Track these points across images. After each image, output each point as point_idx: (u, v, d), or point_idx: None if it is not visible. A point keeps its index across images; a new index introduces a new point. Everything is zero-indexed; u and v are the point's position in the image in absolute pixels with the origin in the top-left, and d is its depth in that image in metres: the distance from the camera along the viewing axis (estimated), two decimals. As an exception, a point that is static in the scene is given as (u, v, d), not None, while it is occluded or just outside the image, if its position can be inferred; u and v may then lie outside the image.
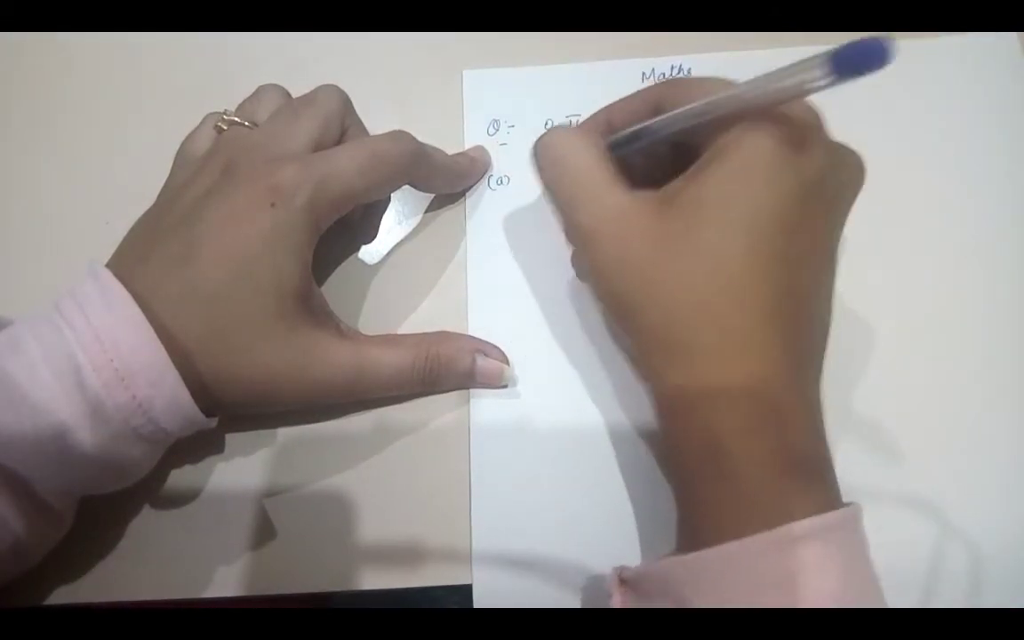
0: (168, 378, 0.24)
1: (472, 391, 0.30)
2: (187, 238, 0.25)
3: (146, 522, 0.29)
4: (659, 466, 0.29)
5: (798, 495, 0.21)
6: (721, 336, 0.22)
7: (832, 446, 0.23)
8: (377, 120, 0.31)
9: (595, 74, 0.35)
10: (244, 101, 0.30)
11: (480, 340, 0.30)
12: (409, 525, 0.29)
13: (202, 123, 0.30)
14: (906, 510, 0.28)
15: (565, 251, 0.32)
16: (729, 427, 0.22)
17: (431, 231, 0.33)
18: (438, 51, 0.36)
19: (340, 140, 0.29)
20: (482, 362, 0.29)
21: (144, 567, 0.28)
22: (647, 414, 0.29)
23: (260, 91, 0.30)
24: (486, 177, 0.34)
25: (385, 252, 0.33)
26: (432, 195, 0.33)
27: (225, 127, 0.29)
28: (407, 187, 0.31)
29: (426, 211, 0.33)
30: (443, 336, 0.30)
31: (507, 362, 0.30)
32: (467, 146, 0.34)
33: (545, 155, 0.26)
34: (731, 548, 0.20)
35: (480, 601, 0.28)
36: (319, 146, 0.28)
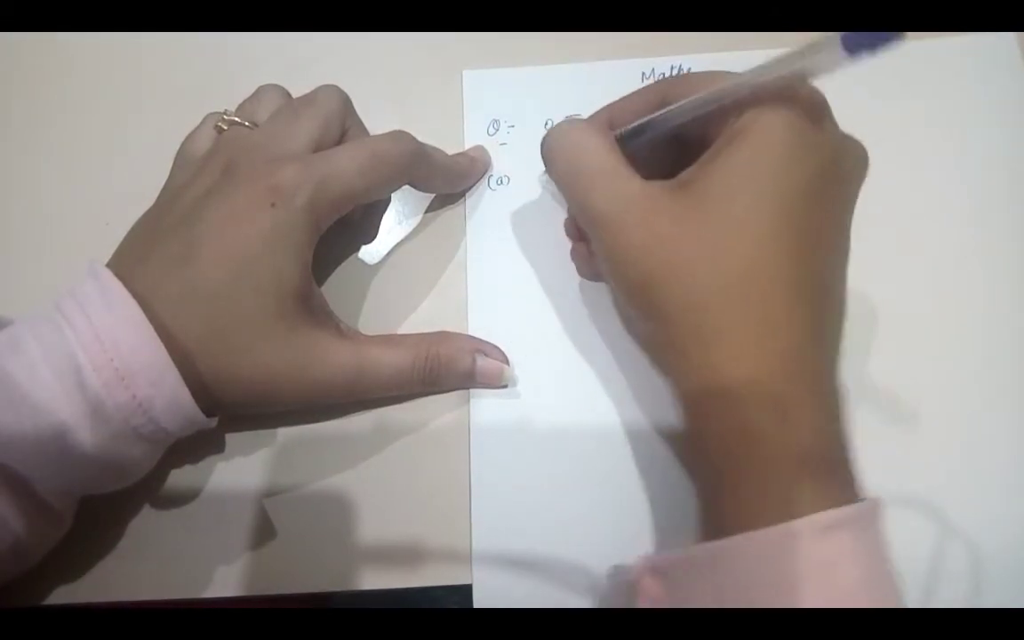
0: (168, 378, 0.24)
1: (472, 391, 0.30)
2: (187, 238, 0.25)
3: (146, 522, 0.29)
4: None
5: (823, 484, 0.21)
6: (749, 315, 0.22)
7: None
8: (377, 120, 0.31)
9: (595, 74, 0.35)
10: (244, 101, 0.30)
11: (480, 340, 0.30)
12: (409, 525, 0.29)
13: (202, 123, 0.30)
14: (906, 510, 0.28)
15: (566, 250, 0.32)
16: (757, 409, 0.22)
17: (431, 231, 0.33)
18: (438, 51, 0.36)
19: (340, 140, 0.29)
20: (482, 362, 0.29)
21: (144, 567, 0.28)
22: (648, 414, 0.29)
23: (260, 91, 0.30)
24: (486, 177, 0.34)
25: (385, 252, 0.33)
26: (432, 195, 0.33)
27: (225, 127, 0.29)
28: (407, 187, 0.31)
29: (426, 211, 0.33)
30: (443, 336, 0.30)
31: (507, 362, 0.30)
32: (467, 146, 0.34)
33: (557, 148, 0.27)
34: (769, 534, 0.20)
35: (480, 601, 0.28)
36: (319, 146, 0.28)
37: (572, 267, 0.31)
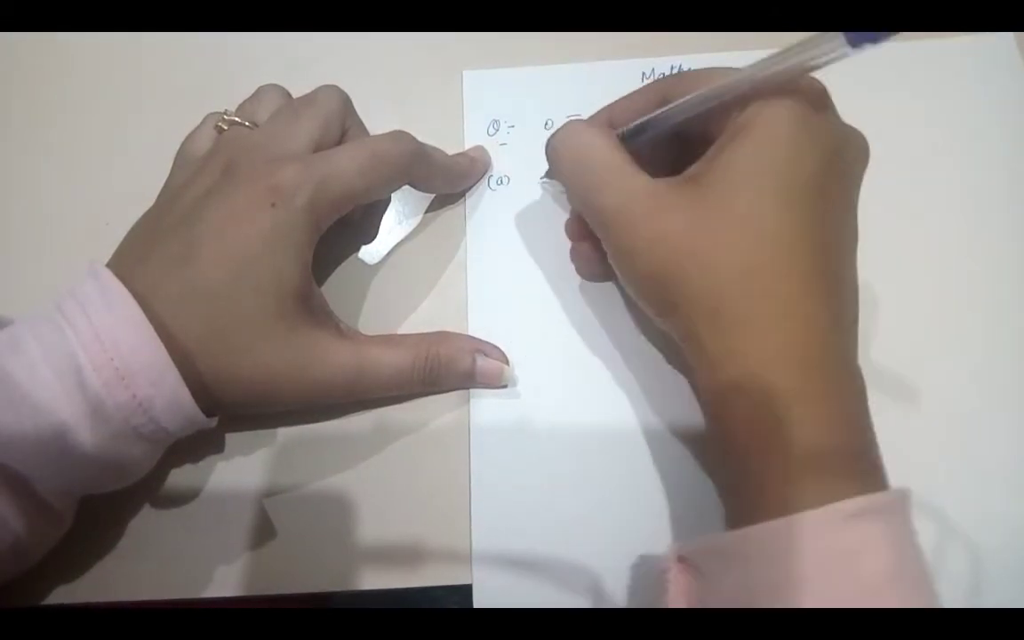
0: (168, 378, 0.24)
1: (472, 391, 0.30)
2: (187, 238, 0.25)
3: (146, 522, 0.29)
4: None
5: (850, 468, 0.21)
6: (765, 303, 0.22)
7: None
8: (377, 120, 0.31)
9: (595, 74, 0.35)
10: (244, 101, 0.30)
11: (480, 340, 0.30)
12: (409, 525, 0.29)
13: (202, 123, 0.30)
14: (906, 510, 0.28)
15: (566, 250, 0.32)
16: (775, 400, 0.22)
17: (431, 231, 0.33)
18: (438, 51, 0.36)
19: (340, 140, 0.29)
20: (482, 362, 0.29)
21: (144, 567, 0.28)
22: (649, 413, 0.29)
23: (260, 91, 0.30)
24: (486, 177, 0.34)
25: (385, 252, 0.33)
26: (432, 195, 0.33)
27: (225, 127, 0.29)
28: (407, 187, 0.31)
29: (426, 211, 0.33)
30: (443, 336, 0.30)
31: (507, 362, 0.30)
32: (467, 146, 0.34)
33: (563, 148, 0.27)
34: (796, 521, 0.20)
35: (480, 601, 0.27)
36: (319, 146, 0.28)
37: (572, 267, 0.31)
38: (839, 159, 0.23)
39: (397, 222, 0.33)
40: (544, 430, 0.30)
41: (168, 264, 0.25)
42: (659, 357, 0.30)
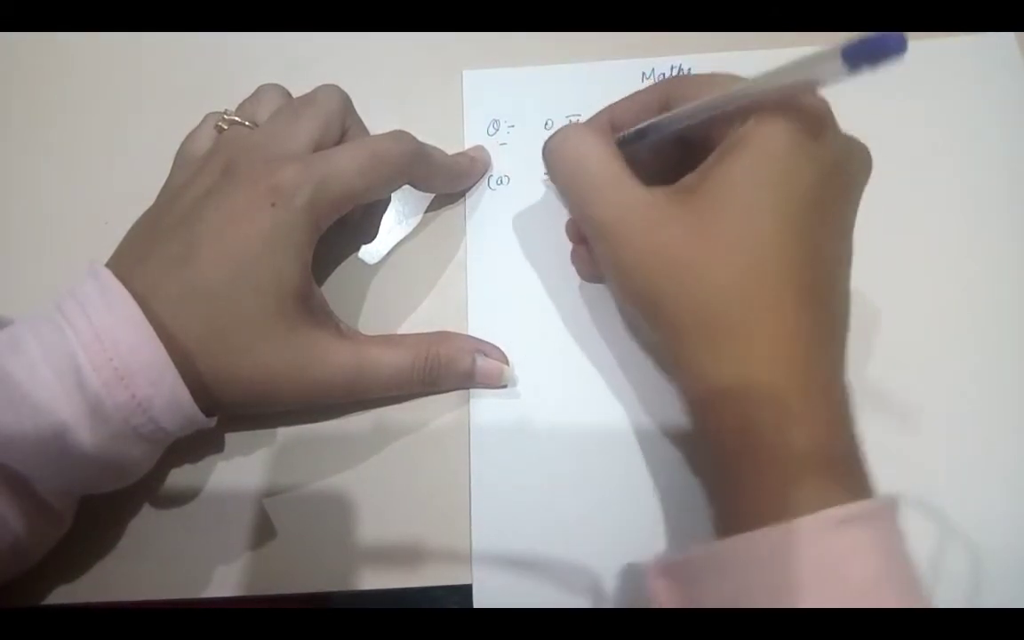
0: (167, 377, 0.24)
1: (472, 391, 0.30)
2: (187, 238, 0.25)
3: (146, 522, 0.29)
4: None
5: (834, 480, 0.21)
6: (754, 319, 0.22)
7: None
8: (377, 120, 0.31)
9: (595, 74, 0.35)
10: (244, 101, 0.30)
11: (480, 340, 0.30)
12: (409, 525, 0.29)
13: (202, 123, 0.30)
14: (906, 510, 0.28)
15: (565, 250, 0.32)
16: (766, 410, 0.22)
17: (431, 231, 0.33)
18: (438, 51, 0.36)
19: (340, 140, 0.29)
20: (482, 362, 0.29)
21: (144, 567, 0.28)
22: (649, 414, 0.29)
23: (260, 91, 0.30)
24: (486, 177, 0.34)
25: (385, 252, 0.33)
26: (432, 195, 0.33)
27: (225, 127, 0.29)
28: (407, 187, 0.31)
29: (426, 211, 0.33)
30: (443, 336, 0.30)
31: (507, 362, 0.30)
32: (467, 146, 0.34)
33: (558, 154, 0.27)
34: (780, 530, 0.20)
35: (480, 601, 0.27)
36: (319, 146, 0.28)
37: (572, 267, 0.31)
38: (838, 174, 0.23)
39: (397, 222, 0.33)
40: (544, 430, 0.29)
41: (168, 264, 0.25)
42: (659, 357, 0.30)
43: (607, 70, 0.35)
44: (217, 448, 0.30)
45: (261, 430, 0.30)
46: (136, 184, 0.29)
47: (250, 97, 0.30)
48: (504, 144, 0.34)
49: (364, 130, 0.31)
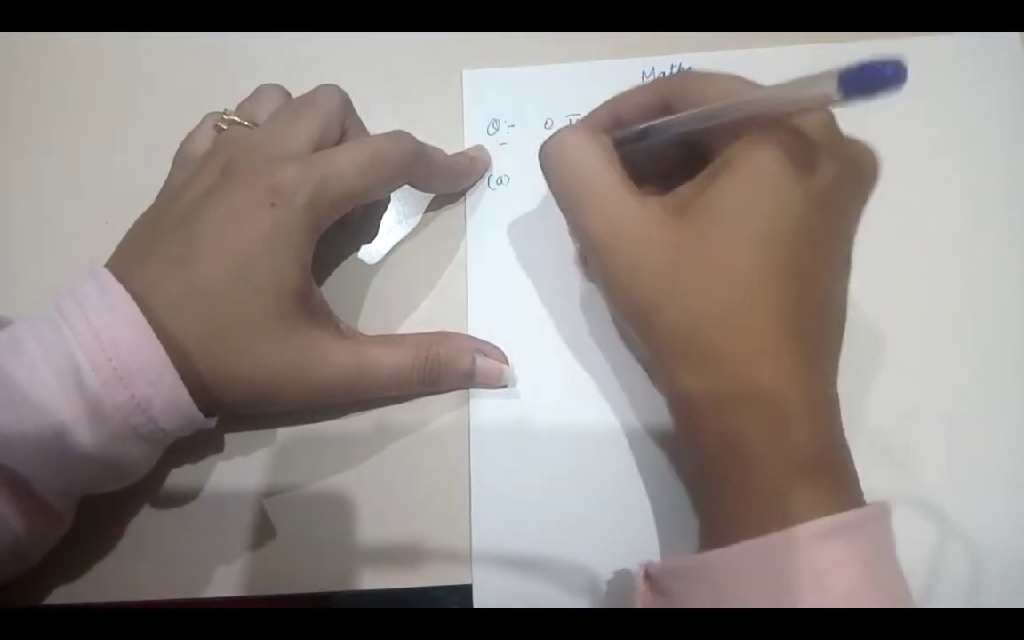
0: (167, 378, 0.24)
1: (472, 391, 0.30)
2: (186, 238, 0.25)
3: (146, 522, 0.29)
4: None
5: (818, 493, 0.21)
6: (736, 341, 0.22)
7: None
8: (377, 120, 0.31)
9: (595, 74, 0.35)
10: (244, 101, 0.30)
11: (480, 340, 0.30)
12: (409, 525, 0.29)
13: (202, 123, 0.30)
14: (906, 510, 0.28)
15: (566, 250, 0.32)
16: (746, 429, 0.22)
17: (431, 231, 0.33)
18: (438, 51, 0.36)
19: (340, 140, 0.29)
20: (482, 362, 0.29)
21: (144, 567, 0.28)
22: (648, 414, 0.29)
23: (260, 91, 0.30)
24: (486, 177, 0.34)
25: (385, 252, 0.33)
26: (432, 195, 0.33)
27: (225, 127, 0.29)
28: (407, 187, 0.31)
29: (426, 211, 0.33)
30: (443, 336, 0.30)
31: (507, 362, 0.30)
32: (467, 146, 0.34)
33: (553, 160, 0.26)
34: (763, 543, 0.21)
35: (480, 601, 0.28)
36: (319, 146, 0.28)
37: (572, 267, 0.31)
38: (829, 202, 0.23)
39: (397, 222, 0.33)
40: (544, 430, 0.29)
41: (167, 264, 0.25)
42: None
43: (607, 70, 0.35)
44: (217, 448, 0.30)
45: (261, 430, 0.30)
46: (136, 184, 0.29)
47: (250, 97, 0.30)
48: (504, 144, 0.34)
49: (364, 130, 0.31)
